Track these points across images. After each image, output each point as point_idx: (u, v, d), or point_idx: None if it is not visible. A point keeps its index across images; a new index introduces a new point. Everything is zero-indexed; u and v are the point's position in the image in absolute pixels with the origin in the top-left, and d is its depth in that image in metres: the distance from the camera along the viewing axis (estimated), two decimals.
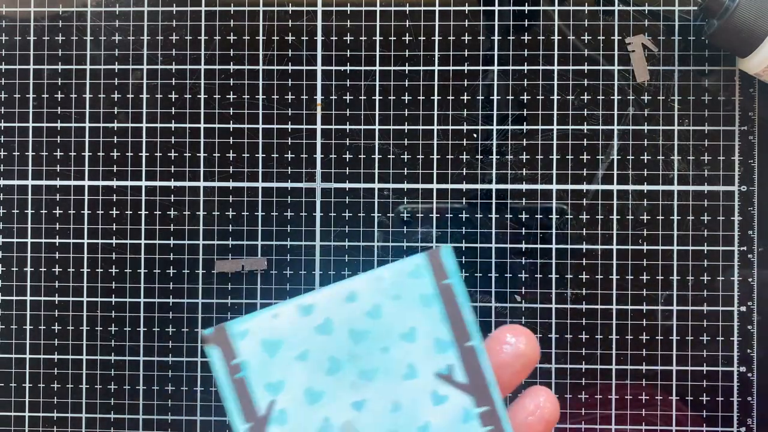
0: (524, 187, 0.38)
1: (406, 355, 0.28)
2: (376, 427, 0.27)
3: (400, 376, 0.27)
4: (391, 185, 0.38)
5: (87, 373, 0.39)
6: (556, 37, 0.38)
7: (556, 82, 0.38)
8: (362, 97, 0.38)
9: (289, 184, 0.39)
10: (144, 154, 0.39)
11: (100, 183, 0.39)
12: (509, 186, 0.38)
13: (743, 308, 0.38)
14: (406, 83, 0.38)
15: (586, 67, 0.38)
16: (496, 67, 0.38)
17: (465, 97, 0.38)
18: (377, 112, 0.38)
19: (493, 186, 0.38)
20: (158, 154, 0.39)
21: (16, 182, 0.39)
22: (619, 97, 0.38)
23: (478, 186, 0.38)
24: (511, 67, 0.38)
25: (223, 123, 0.39)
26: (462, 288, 0.28)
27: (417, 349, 0.28)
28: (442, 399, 0.27)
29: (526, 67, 0.38)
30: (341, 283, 0.27)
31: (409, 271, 0.28)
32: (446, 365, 0.28)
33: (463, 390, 0.28)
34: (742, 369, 0.38)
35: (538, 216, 0.38)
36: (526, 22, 0.38)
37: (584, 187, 0.38)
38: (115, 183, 0.39)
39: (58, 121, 0.39)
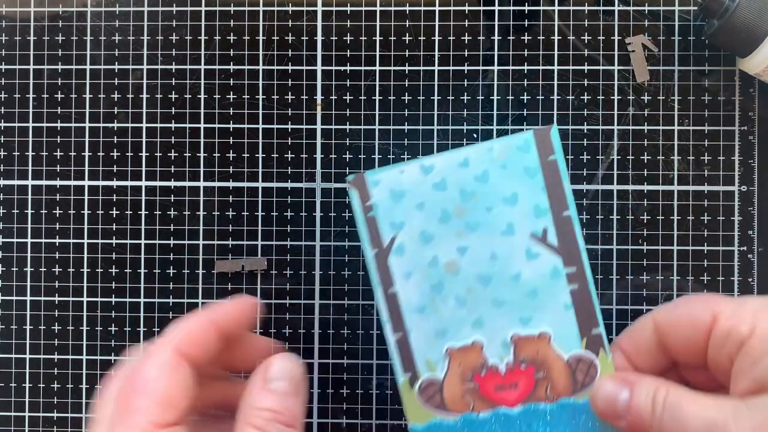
0: None
1: (506, 215, 0.33)
2: (475, 268, 0.33)
3: (499, 232, 0.33)
4: None
5: (87, 373, 0.39)
6: (556, 37, 0.38)
7: (556, 82, 0.38)
8: (362, 97, 0.38)
9: (289, 184, 0.39)
10: (144, 154, 0.39)
11: (100, 183, 0.39)
12: None
13: None
14: (406, 83, 0.38)
15: (586, 67, 0.38)
16: (496, 67, 0.38)
17: (465, 97, 0.38)
18: (377, 112, 0.38)
19: None
20: (158, 154, 0.39)
21: (16, 182, 0.39)
22: (619, 97, 0.38)
23: None
24: (511, 67, 0.38)
25: (223, 123, 0.39)
26: (564, 164, 0.32)
27: (517, 212, 0.33)
28: (534, 255, 0.33)
29: (526, 67, 0.38)
30: (457, 150, 0.33)
31: (518, 144, 0.33)
32: (542, 228, 0.33)
33: (553, 251, 0.33)
34: None
35: None
36: (526, 22, 0.38)
37: (584, 187, 0.38)
38: (115, 183, 0.39)
39: (58, 121, 0.39)
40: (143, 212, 0.39)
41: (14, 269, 0.39)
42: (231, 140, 0.39)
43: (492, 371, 0.33)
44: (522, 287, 0.33)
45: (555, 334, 0.33)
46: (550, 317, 0.33)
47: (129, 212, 0.39)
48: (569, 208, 0.32)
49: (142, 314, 0.39)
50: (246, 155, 0.39)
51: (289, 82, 0.39)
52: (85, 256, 0.39)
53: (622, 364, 0.32)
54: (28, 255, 0.39)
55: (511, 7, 0.38)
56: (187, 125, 0.39)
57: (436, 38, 0.38)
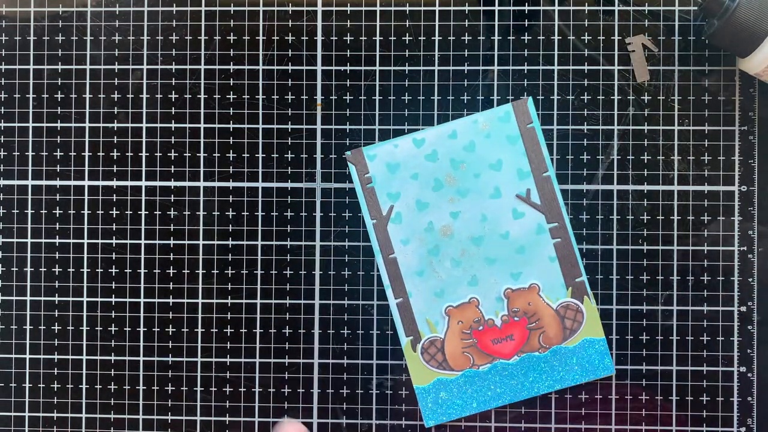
0: None
1: (493, 180, 0.36)
2: (467, 231, 0.36)
3: (487, 195, 0.36)
4: None
5: (87, 373, 0.39)
6: (556, 37, 0.38)
7: (556, 82, 0.38)
8: (362, 97, 0.38)
9: (289, 184, 0.39)
10: (144, 154, 0.39)
11: (100, 183, 0.39)
12: None
13: (743, 308, 0.38)
14: (406, 83, 0.38)
15: (586, 67, 0.38)
16: (496, 67, 0.38)
17: (465, 97, 0.38)
18: (377, 112, 0.38)
19: None
20: (158, 154, 0.39)
21: (16, 182, 0.39)
22: (619, 97, 0.38)
23: None
24: (511, 67, 0.38)
25: (223, 123, 0.39)
26: (541, 131, 0.36)
27: (502, 176, 0.36)
28: (520, 215, 0.36)
29: (526, 67, 0.38)
30: (445, 124, 0.36)
31: (499, 116, 0.36)
32: (525, 189, 0.36)
33: (537, 209, 0.36)
34: (742, 369, 0.37)
35: None
36: (526, 22, 0.38)
37: (584, 187, 0.38)
38: (115, 183, 0.39)
39: (58, 121, 0.39)
40: (143, 212, 0.39)
41: (14, 269, 0.39)
42: (231, 140, 0.39)
43: (489, 325, 0.36)
44: (511, 245, 0.36)
45: (543, 285, 0.36)
46: (537, 270, 0.36)
47: (129, 212, 0.39)
48: (548, 169, 0.36)
49: (142, 314, 0.39)
50: (246, 155, 0.39)
51: (289, 82, 0.39)
52: (85, 256, 0.39)
53: None
54: (28, 255, 0.39)
55: (511, 7, 0.38)
56: (187, 125, 0.39)
57: (436, 38, 0.38)
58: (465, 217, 0.36)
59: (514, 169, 0.36)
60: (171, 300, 0.39)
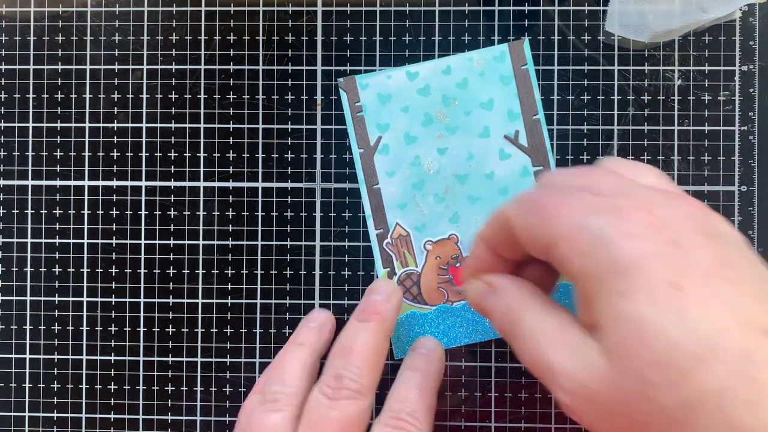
0: None
1: (483, 119, 0.36)
2: (453, 168, 0.36)
3: (476, 134, 0.36)
4: None
5: (87, 373, 0.39)
6: (556, 37, 0.38)
7: (556, 82, 0.38)
8: None
9: (289, 184, 0.39)
10: (144, 154, 0.39)
11: (100, 183, 0.39)
12: None
13: None
14: None
15: (586, 67, 0.38)
16: None
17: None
18: None
19: None
20: (158, 154, 0.39)
21: (16, 182, 0.39)
22: (619, 97, 0.38)
23: None
24: None
25: (223, 123, 0.39)
26: (535, 74, 0.37)
27: (492, 116, 0.36)
28: (506, 156, 0.36)
29: None
30: (440, 59, 0.37)
31: (495, 55, 0.37)
32: (514, 131, 0.36)
33: (524, 151, 0.36)
34: None
35: None
36: (526, 22, 0.38)
37: None
38: (115, 183, 0.39)
39: (58, 121, 0.39)
40: (143, 212, 0.39)
41: (14, 269, 0.39)
42: (231, 140, 0.39)
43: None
44: (495, 185, 0.36)
45: None
46: None
47: (129, 212, 0.39)
48: (538, 112, 0.36)
49: (142, 314, 0.39)
50: (246, 155, 0.39)
51: (289, 82, 0.39)
52: (85, 256, 0.39)
53: (485, 254, 0.29)
54: (28, 255, 0.39)
55: (511, 7, 0.38)
56: (187, 125, 0.39)
57: (436, 38, 0.38)
58: (452, 154, 0.36)
59: (505, 109, 0.36)
60: (171, 300, 0.39)
